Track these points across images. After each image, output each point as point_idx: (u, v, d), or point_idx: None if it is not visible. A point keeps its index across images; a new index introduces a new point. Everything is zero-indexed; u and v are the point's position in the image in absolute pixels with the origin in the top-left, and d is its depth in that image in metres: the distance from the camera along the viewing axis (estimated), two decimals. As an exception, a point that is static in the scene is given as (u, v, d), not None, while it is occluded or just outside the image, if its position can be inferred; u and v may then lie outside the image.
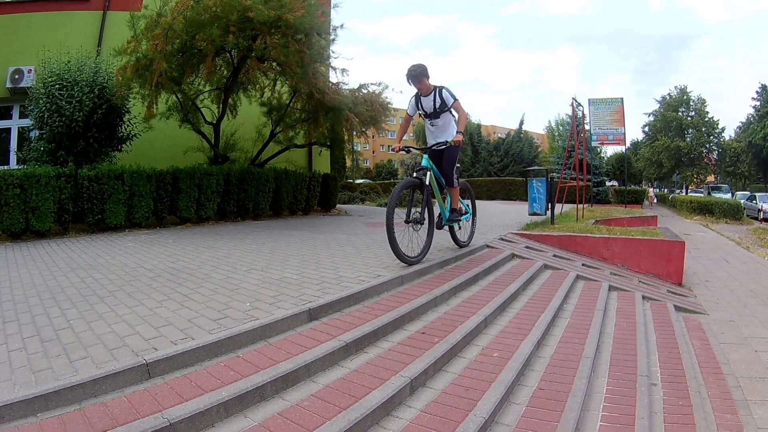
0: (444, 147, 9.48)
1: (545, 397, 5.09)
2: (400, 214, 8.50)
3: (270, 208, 18.78)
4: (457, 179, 9.96)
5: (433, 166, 9.35)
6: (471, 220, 11.56)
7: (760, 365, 7.17)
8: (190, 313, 5.77)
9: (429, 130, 9.94)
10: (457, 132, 9.42)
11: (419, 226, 9.19)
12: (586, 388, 5.34)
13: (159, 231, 13.73)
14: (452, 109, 9.58)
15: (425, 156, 9.30)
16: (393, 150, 10.08)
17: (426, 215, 9.29)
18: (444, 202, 10.06)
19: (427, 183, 9.03)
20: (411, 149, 10.05)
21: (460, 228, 11.12)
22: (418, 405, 4.66)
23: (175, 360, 4.49)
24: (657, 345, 7.44)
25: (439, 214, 9.96)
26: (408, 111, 9.95)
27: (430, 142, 9.83)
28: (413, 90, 9.52)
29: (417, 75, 9.18)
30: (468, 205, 11.25)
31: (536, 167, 26.05)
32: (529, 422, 4.60)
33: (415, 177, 9.14)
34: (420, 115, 9.93)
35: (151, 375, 4.30)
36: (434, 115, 9.60)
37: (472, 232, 11.62)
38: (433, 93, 9.44)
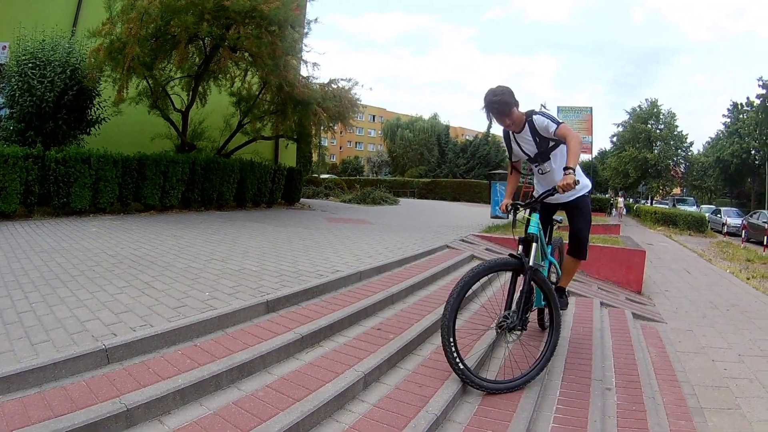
0: (571, 200, 6.43)
1: (498, 397, 5.14)
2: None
3: (234, 199, 18.80)
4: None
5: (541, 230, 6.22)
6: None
7: (716, 374, 7.28)
8: (150, 300, 5.81)
9: (538, 176, 6.68)
10: (565, 170, 5.66)
11: (515, 334, 5.84)
12: (539, 389, 5.44)
13: (123, 217, 13.65)
14: (557, 137, 6.12)
15: (534, 215, 6.05)
16: (499, 209, 6.62)
17: (546, 316, 6.47)
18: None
19: (532, 262, 5.80)
20: (520, 205, 6.25)
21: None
22: (371, 399, 4.70)
23: (134, 346, 4.52)
24: (613, 351, 7.51)
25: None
26: (510, 160, 6.82)
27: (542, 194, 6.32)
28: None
29: (502, 106, 5.86)
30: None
31: (501, 171, 26.25)
32: (482, 421, 4.66)
33: (511, 256, 5.84)
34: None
35: (110, 360, 4.32)
36: (541, 156, 6.36)
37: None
38: (527, 127, 6.18)
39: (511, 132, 6.38)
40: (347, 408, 4.52)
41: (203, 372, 4.31)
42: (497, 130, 78.12)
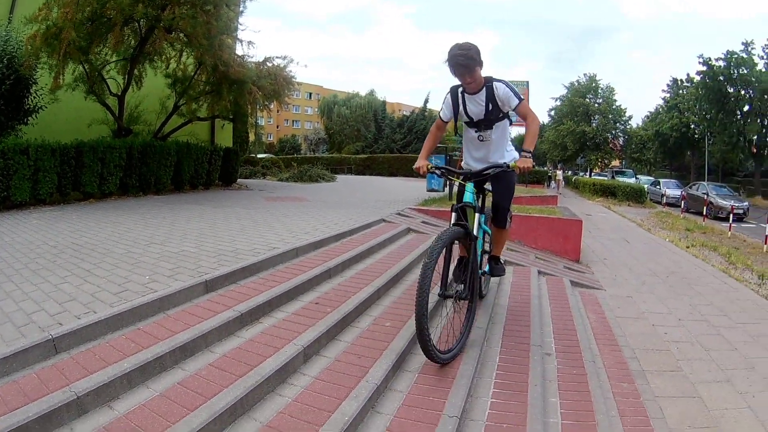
0: (499, 171, 6.05)
1: (438, 366, 5.21)
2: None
3: (171, 183, 18.61)
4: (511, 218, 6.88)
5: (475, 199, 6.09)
6: None
7: (657, 338, 7.46)
8: (93, 287, 5.84)
9: (472, 145, 6.52)
10: (522, 152, 5.93)
11: (463, 302, 5.89)
12: (478, 356, 5.55)
13: (63, 207, 13.46)
14: (516, 114, 6.35)
15: (469, 187, 5.98)
16: (416, 170, 6.22)
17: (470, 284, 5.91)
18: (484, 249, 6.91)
19: (476, 232, 5.87)
20: (442, 171, 6.22)
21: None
22: (312, 372, 4.79)
23: (80, 334, 4.55)
24: (552, 318, 7.59)
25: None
26: (441, 116, 6.42)
27: (474, 164, 6.50)
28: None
29: (468, 61, 5.70)
30: None
31: (438, 146, 26.35)
32: (422, 388, 4.76)
33: (456, 224, 5.69)
34: (463, 122, 6.46)
35: (57, 350, 4.36)
36: (485, 123, 6.24)
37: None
38: (483, 91, 6.04)
39: (461, 91, 6.18)
40: (289, 381, 4.60)
41: (147, 355, 4.35)
42: (434, 105, 77.94)
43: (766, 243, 19.60)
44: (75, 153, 14.51)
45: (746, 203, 35.93)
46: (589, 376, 5.63)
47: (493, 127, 6.26)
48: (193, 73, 20.11)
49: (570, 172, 75.98)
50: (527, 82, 40.97)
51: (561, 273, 10.79)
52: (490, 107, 6.10)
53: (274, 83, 20.10)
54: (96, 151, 14.98)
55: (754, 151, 59.23)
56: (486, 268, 6.99)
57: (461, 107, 6.24)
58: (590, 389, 5.29)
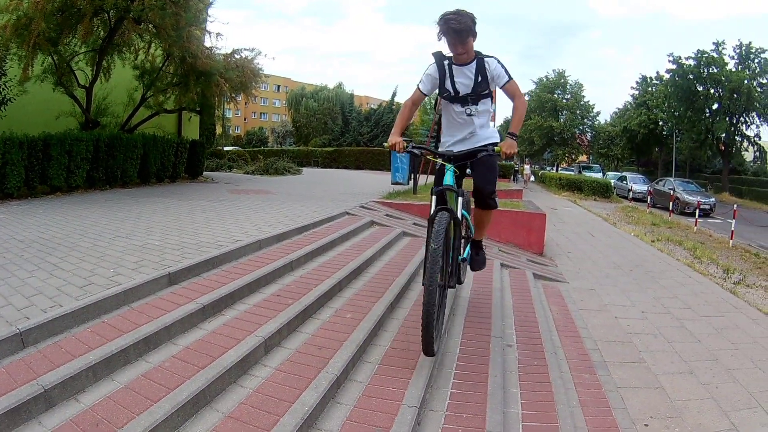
0: (484, 154, 5.73)
1: (398, 356, 5.34)
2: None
3: (138, 176, 18.39)
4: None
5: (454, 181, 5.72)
6: None
7: (619, 330, 7.58)
8: (59, 281, 5.84)
9: (455, 122, 6.07)
10: (508, 135, 5.64)
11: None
12: (439, 347, 5.55)
13: (30, 201, 13.32)
14: (503, 92, 5.89)
15: (449, 168, 5.68)
16: (390, 147, 5.71)
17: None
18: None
19: (460, 215, 5.61)
20: (419, 150, 5.92)
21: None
22: (273, 363, 4.86)
23: (46, 327, 4.57)
24: (513, 309, 7.69)
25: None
26: (420, 87, 5.92)
27: (456, 145, 6.09)
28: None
29: (462, 28, 5.36)
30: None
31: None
32: (382, 379, 4.84)
33: (442, 208, 5.27)
34: (442, 97, 6.07)
35: (25, 344, 4.39)
36: (472, 98, 5.85)
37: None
38: (474, 63, 5.71)
39: (448, 62, 5.77)
40: (251, 373, 4.67)
41: (112, 347, 4.38)
42: (401, 98, 77.74)
43: (731, 238, 19.96)
44: (42, 146, 14.30)
45: (713, 199, 36.37)
46: (550, 367, 5.73)
47: (480, 101, 5.92)
48: (161, 65, 19.95)
49: (537, 167, 76.32)
50: None
51: (524, 266, 10.90)
52: (479, 79, 5.78)
53: (241, 75, 19.99)
54: (63, 143, 14.78)
55: (722, 148, 59.99)
56: (465, 254, 6.49)
57: (447, 79, 5.83)
58: (551, 380, 5.39)
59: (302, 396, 4.25)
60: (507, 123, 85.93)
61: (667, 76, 61.54)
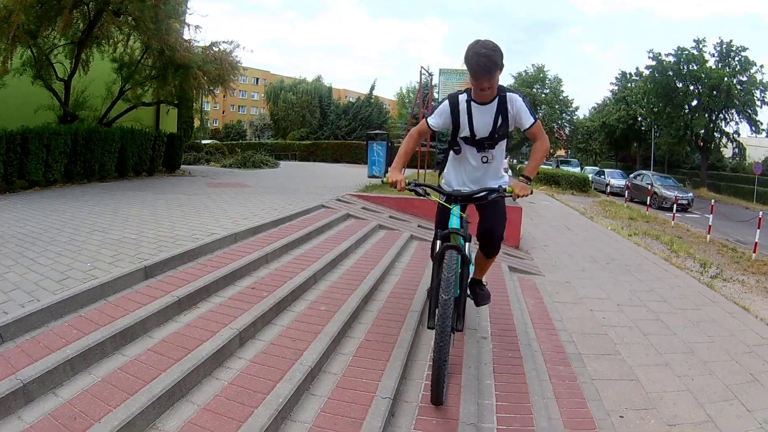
0: (496, 196, 5.05)
1: (372, 348, 5.36)
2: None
3: (116, 169, 18.27)
4: None
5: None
6: None
7: (594, 322, 7.60)
8: (37, 276, 5.85)
9: (466, 166, 5.47)
10: (521, 177, 5.20)
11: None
12: (412, 339, 5.62)
13: (8, 196, 13.19)
14: (526, 133, 5.20)
15: (456, 211, 5.05)
16: (390, 184, 5.25)
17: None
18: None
19: (468, 253, 5.22)
20: (425, 189, 5.21)
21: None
22: (248, 356, 4.89)
23: (24, 322, 4.58)
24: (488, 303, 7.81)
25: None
26: (430, 121, 5.28)
27: (463, 186, 5.51)
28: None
29: (491, 66, 4.63)
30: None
31: (378, 131, 26.32)
32: (356, 371, 4.86)
33: (449, 246, 4.75)
34: (457, 138, 5.32)
35: (3, 339, 4.38)
36: (489, 143, 5.22)
37: None
38: (495, 101, 5.00)
39: (466, 99, 5.06)
40: (226, 365, 4.70)
41: (89, 341, 4.39)
42: (380, 92, 77.50)
43: (709, 233, 20.04)
44: (21, 140, 14.17)
45: (691, 194, 36.44)
46: (525, 359, 5.75)
47: (497, 144, 5.27)
48: (139, 58, 19.86)
49: (515, 161, 76.47)
50: None
51: (500, 258, 10.66)
52: (499, 122, 5.07)
53: (219, 68, 19.97)
54: (41, 137, 14.65)
55: (701, 144, 60.29)
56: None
57: (465, 119, 5.10)
58: (525, 372, 5.41)
59: (277, 388, 4.26)
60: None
61: (646, 72, 61.72)
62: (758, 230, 17.67)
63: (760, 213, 19.70)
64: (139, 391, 3.94)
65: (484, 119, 5.06)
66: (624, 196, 34.05)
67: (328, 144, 58.47)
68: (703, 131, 58.15)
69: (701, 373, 6.04)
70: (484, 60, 4.59)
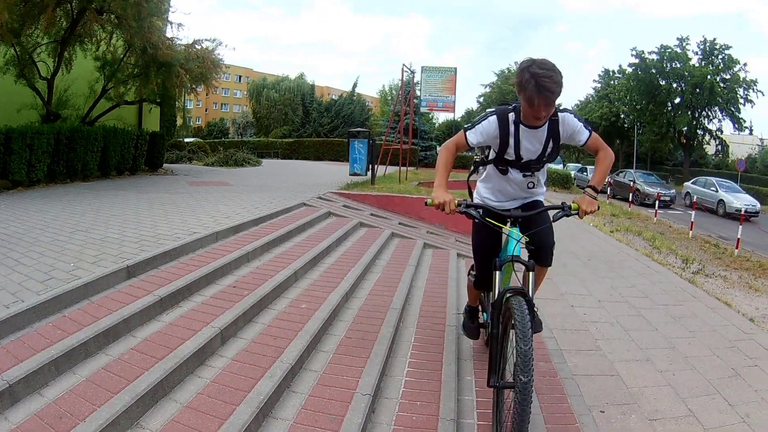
0: (559, 213, 4.58)
1: (352, 345, 5.40)
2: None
3: (98, 169, 18.14)
4: None
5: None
6: None
7: (575, 318, 7.52)
8: (21, 276, 5.86)
9: (509, 186, 4.86)
10: (588, 188, 4.63)
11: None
12: (392, 336, 5.65)
13: (-7, 197, 13.07)
14: (584, 147, 4.82)
15: (515, 234, 4.41)
16: (438, 206, 4.37)
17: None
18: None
19: (532, 295, 4.28)
20: (477, 212, 4.59)
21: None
22: (230, 354, 4.92)
23: (9, 323, 4.58)
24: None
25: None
26: (469, 137, 4.55)
27: (506, 203, 4.93)
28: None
29: (556, 90, 4.06)
30: None
31: (359, 129, 26.33)
32: (337, 368, 4.90)
33: (514, 291, 4.13)
34: (500, 157, 4.69)
35: None
36: (535, 166, 4.72)
37: None
38: (546, 125, 4.45)
39: (514, 120, 4.44)
40: (208, 363, 4.73)
41: (73, 341, 4.40)
42: (363, 89, 77.21)
43: (691, 229, 20.24)
44: (4, 140, 14.02)
45: (673, 191, 37.00)
46: None
47: (544, 166, 4.81)
48: (122, 56, 19.76)
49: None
50: (455, 69, 40.50)
51: None
52: (550, 146, 4.57)
53: (201, 66, 19.88)
54: (25, 137, 14.49)
55: (684, 141, 61.13)
56: None
57: (511, 140, 4.50)
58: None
59: (258, 385, 4.28)
60: (468, 113, 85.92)
61: (629, 70, 62.34)
62: (740, 226, 17.83)
63: (743, 209, 19.86)
64: (122, 389, 3.95)
65: (533, 145, 4.52)
66: (606, 192, 34.14)
67: (310, 142, 58.08)
68: (685, 128, 58.93)
69: (683, 368, 6.00)
70: (549, 84, 4.01)
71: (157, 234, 8.11)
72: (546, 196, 5.27)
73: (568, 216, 4.51)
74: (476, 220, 4.56)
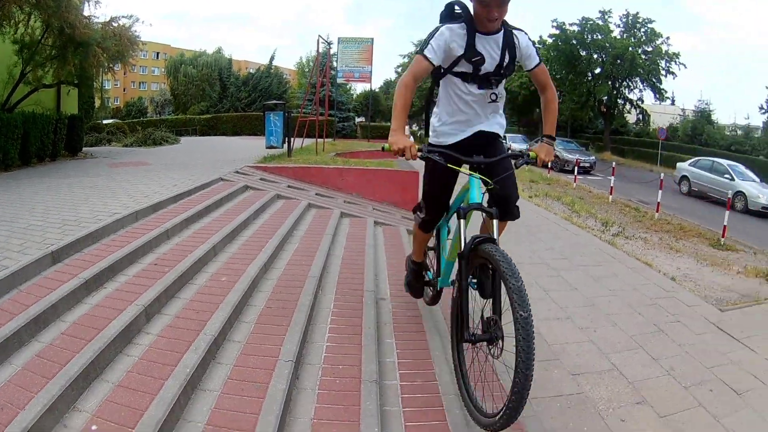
0: (521, 163, 4.50)
1: (273, 314, 5.51)
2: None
3: (19, 157, 17.46)
4: None
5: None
6: None
7: None
8: (-52, 271, 5.83)
9: (468, 107, 4.59)
10: (545, 138, 4.75)
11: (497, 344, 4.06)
12: (311, 303, 5.78)
13: None
14: (532, 78, 4.86)
15: (476, 181, 4.32)
16: (396, 152, 4.01)
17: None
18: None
19: (497, 236, 4.27)
20: (440, 155, 4.29)
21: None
22: (155, 330, 4.99)
23: None
24: (387, 265, 7.93)
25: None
26: (428, 55, 4.21)
27: (462, 130, 4.68)
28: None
29: None
30: None
31: (275, 102, 26.22)
32: (258, 337, 5.02)
33: (482, 238, 4.22)
34: (450, 73, 4.45)
35: None
36: (496, 77, 4.47)
37: None
38: (501, 34, 4.30)
39: (471, 28, 4.20)
40: (135, 341, 4.79)
41: (6, 331, 4.41)
42: (280, 62, 76.28)
43: (611, 193, 20.72)
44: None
45: (593, 157, 38.08)
46: (424, 317, 5.95)
47: (502, 82, 4.57)
48: (39, 38, 19.04)
49: (416, 128, 76.74)
50: (372, 39, 40.32)
51: (398, 222, 11.15)
52: (506, 58, 4.37)
53: (118, 44, 19.53)
54: (-57, 128, 13.86)
55: (604, 110, 61.91)
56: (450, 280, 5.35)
57: (467, 49, 4.25)
58: (426, 330, 5.62)
59: (183, 359, 4.39)
60: (386, 84, 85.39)
61: (549, 40, 62.76)
62: (660, 191, 18.37)
63: (662, 174, 20.40)
64: (56, 374, 4.00)
65: (488, 52, 4.28)
66: (525, 159, 34.70)
67: (228, 117, 57.38)
68: (606, 98, 59.69)
69: (603, 325, 6.29)
70: None
71: (79, 218, 8.08)
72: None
73: (527, 164, 4.47)
74: (439, 165, 4.28)
